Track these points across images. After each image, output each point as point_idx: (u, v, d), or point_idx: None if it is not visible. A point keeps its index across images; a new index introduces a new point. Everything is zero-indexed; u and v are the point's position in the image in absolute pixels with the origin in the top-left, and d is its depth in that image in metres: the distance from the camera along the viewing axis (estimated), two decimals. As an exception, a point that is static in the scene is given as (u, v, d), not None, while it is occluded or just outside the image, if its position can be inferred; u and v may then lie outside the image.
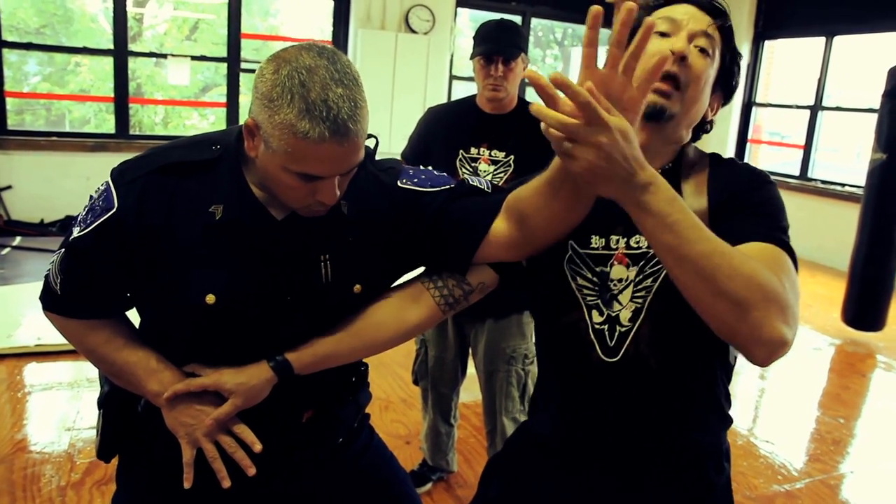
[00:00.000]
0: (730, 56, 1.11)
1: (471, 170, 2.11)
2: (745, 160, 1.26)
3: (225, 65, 6.41)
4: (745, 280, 0.85)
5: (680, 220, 0.86)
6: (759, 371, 3.86)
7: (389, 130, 5.98)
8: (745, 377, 3.75)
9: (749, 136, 7.85)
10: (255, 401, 1.11)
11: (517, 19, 7.12)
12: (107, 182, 1.07)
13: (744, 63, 1.20)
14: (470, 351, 2.31)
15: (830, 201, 6.56)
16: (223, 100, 6.51)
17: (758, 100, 7.84)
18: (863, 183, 4.58)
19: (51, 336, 3.37)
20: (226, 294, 1.06)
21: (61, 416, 2.78)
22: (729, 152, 7.45)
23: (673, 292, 0.94)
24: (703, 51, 1.07)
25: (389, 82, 6.38)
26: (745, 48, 7.39)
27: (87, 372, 3.17)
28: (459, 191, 1.16)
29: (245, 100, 6.37)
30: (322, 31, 6.96)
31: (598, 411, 1.10)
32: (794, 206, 1.17)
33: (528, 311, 2.20)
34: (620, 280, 1.08)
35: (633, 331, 1.06)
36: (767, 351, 0.87)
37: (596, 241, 1.10)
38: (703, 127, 1.16)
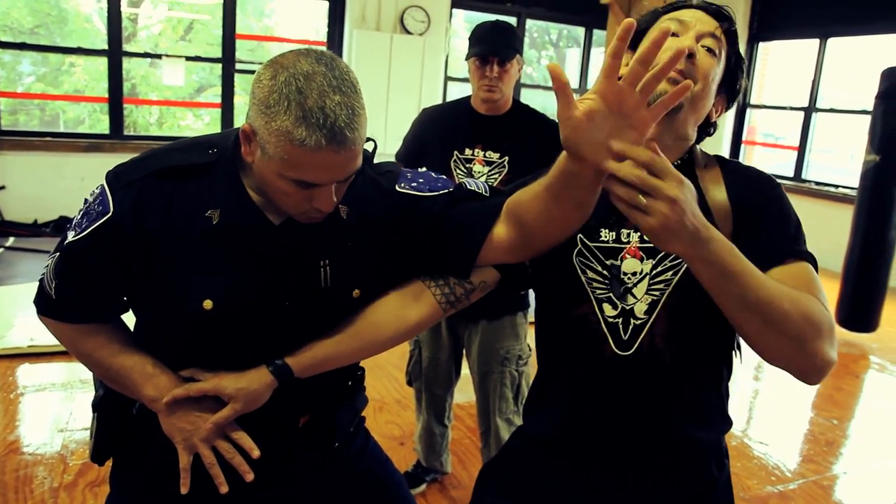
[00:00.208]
0: (735, 59, 1.13)
1: (465, 171, 2.11)
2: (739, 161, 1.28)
3: (219, 65, 6.40)
4: (800, 318, 0.93)
5: (741, 269, 0.91)
6: (752, 372, 3.87)
7: (384, 131, 5.97)
8: (738, 378, 3.75)
9: (743, 138, 7.88)
10: (255, 405, 1.10)
11: (512, 20, 7.12)
12: (102, 185, 1.06)
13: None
14: (464, 352, 2.31)
15: (824, 202, 6.58)
16: (218, 100, 6.49)
17: (752, 101, 7.87)
18: (856, 184, 4.60)
19: (44, 337, 3.34)
20: (223, 299, 1.05)
21: (54, 418, 2.77)
22: (723, 154, 7.45)
23: (692, 286, 0.96)
24: (709, 50, 1.09)
25: (384, 83, 6.38)
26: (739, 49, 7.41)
27: (80, 373, 3.16)
28: (458, 195, 1.16)
29: (240, 100, 6.36)
30: (317, 31, 6.96)
31: (606, 406, 1.10)
32: (788, 208, 1.21)
33: (522, 313, 2.20)
34: (634, 273, 1.08)
35: (649, 324, 1.07)
36: (820, 375, 0.98)
37: (606, 235, 1.11)
38: (707, 129, 1.17)
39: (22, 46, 6.26)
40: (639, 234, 1.09)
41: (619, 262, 1.09)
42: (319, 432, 1.24)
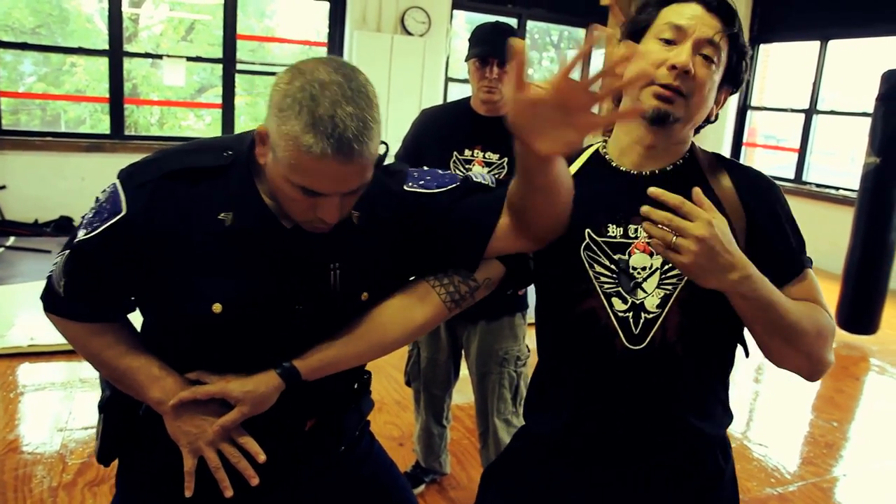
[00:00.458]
0: (737, 56, 1.11)
1: (464, 172, 2.11)
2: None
3: (220, 66, 6.41)
4: (815, 334, 1.05)
5: (775, 301, 1.00)
6: (753, 374, 3.87)
7: (385, 132, 5.82)
8: (738, 380, 3.75)
9: (744, 140, 7.88)
10: (262, 408, 1.10)
11: (513, 21, 7.13)
12: (114, 184, 1.05)
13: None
14: (463, 353, 2.31)
15: (825, 205, 6.58)
16: (219, 101, 6.50)
17: (753, 103, 7.87)
18: (857, 187, 4.59)
19: (44, 336, 3.35)
20: (232, 303, 1.05)
21: (54, 417, 2.77)
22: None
23: None
24: (707, 58, 1.07)
25: (385, 84, 6.38)
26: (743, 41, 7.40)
27: (79, 372, 3.15)
28: (465, 188, 1.16)
29: (240, 101, 6.37)
30: (318, 32, 6.96)
31: (615, 401, 1.11)
32: (788, 210, 1.23)
33: (521, 314, 2.20)
34: (644, 268, 1.09)
35: (661, 318, 1.08)
36: (821, 375, 1.10)
37: (613, 230, 1.11)
38: (708, 119, 1.17)
39: (23, 46, 6.27)
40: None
41: (627, 257, 1.10)
42: (325, 436, 1.23)
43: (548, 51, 9.74)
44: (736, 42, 1.10)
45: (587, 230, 1.12)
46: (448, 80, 6.99)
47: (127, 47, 6.26)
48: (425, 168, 1.22)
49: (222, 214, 1.03)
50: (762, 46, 7.63)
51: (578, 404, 1.14)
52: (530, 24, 7.55)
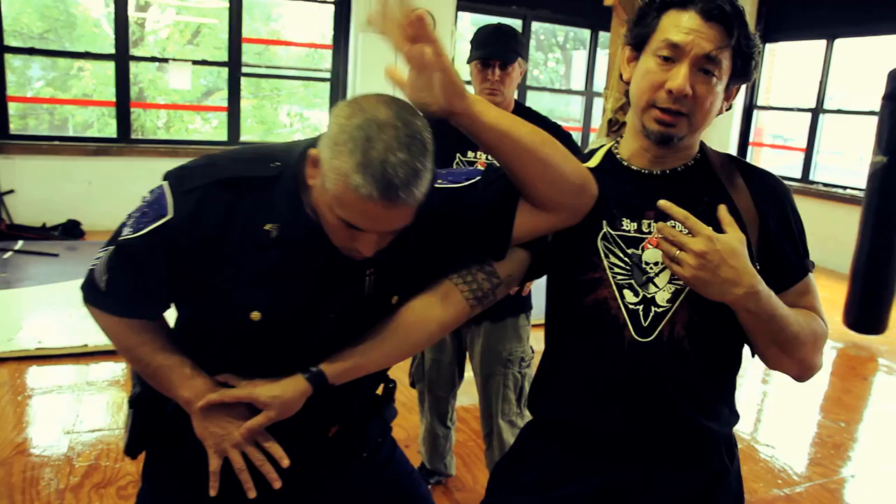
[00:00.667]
0: (742, 61, 1.09)
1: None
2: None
3: (226, 69, 6.43)
4: (811, 343, 1.09)
5: (776, 315, 1.03)
6: (761, 375, 3.85)
7: None
8: (746, 381, 3.74)
9: (750, 139, 7.85)
10: (288, 413, 1.12)
11: (518, 22, 7.12)
12: (162, 187, 1.06)
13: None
14: (467, 354, 2.31)
15: (832, 204, 6.55)
16: (225, 104, 6.53)
17: (759, 103, 7.84)
18: (865, 186, 4.57)
19: (51, 340, 3.38)
20: (271, 311, 1.07)
21: (61, 420, 2.78)
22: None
23: None
24: (707, 72, 1.06)
25: (390, 87, 6.37)
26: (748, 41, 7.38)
27: (86, 375, 3.17)
28: (489, 176, 1.16)
29: (247, 104, 6.39)
30: (323, 35, 6.98)
31: (620, 392, 1.12)
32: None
33: (525, 315, 2.20)
34: (656, 263, 1.11)
35: (671, 312, 1.10)
36: (809, 378, 1.14)
37: (627, 224, 1.13)
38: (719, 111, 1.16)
39: (31, 51, 6.32)
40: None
41: (640, 252, 1.12)
42: (348, 442, 1.25)
43: (553, 52, 9.74)
44: (739, 48, 1.07)
45: (604, 221, 1.14)
46: (453, 81, 6.98)
47: (133, 51, 6.29)
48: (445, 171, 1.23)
49: (268, 226, 1.05)
50: (768, 45, 7.60)
51: (584, 394, 1.15)
52: (536, 24, 7.54)
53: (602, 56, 7.51)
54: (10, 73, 5.89)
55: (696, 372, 1.11)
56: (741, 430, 3.19)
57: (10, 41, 5.88)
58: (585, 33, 7.79)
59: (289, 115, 8.41)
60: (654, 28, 1.09)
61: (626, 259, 1.12)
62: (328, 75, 6.81)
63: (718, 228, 1.02)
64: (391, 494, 1.32)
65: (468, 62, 2.14)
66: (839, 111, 7.10)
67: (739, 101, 7.57)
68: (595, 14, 6.61)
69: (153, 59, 6.79)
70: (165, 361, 1.12)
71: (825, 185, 6.90)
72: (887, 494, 2.78)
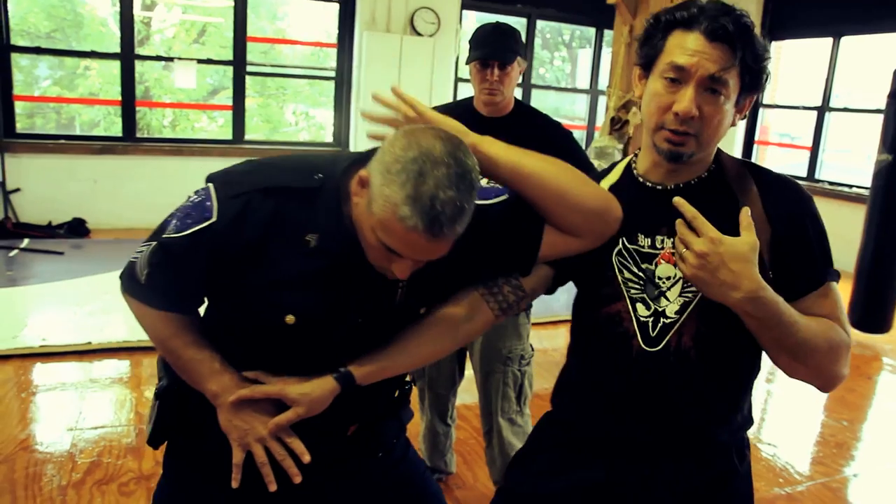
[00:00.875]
0: (750, 76, 1.08)
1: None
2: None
3: (231, 68, 6.45)
4: (827, 351, 1.07)
5: (781, 321, 1.03)
6: (764, 374, 3.84)
7: None
8: (748, 379, 3.72)
9: (756, 138, 7.82)
10: (316, 411, 1.15)
11: (523, 21, 7.12)
12: (207, 189, 1.09)
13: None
14: (467, 352, 2.31)
15: (838, 202, 6.51)
16: (230, 103, 6.55)
17: (765, 101, 7.80)
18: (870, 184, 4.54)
19: (55, 337, 3.41)
20: (304, 316, 1.10)
21: (64, 416, 2.80)
22: (735, 154, 7.40)
23: None
24: (714, 91, 1.06)
25: (395, 85, 6.38)
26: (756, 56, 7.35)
27: (90, 373, 3.20)
28: (516, 197, 1.18)
29: (252, 103, 6.40)
30: (328, 34, 6.99)
31: (628, 398, 1.16)
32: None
33: (525, 313, 2.20)
34: (669, 278, 1.14)
35: (679, 323, 1.12)
36: (832, 388, 1.12)
37: (642, 240, 1.16)
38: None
39: (38, 51, 6.35)
40: (672, 240, 1.12)
41: (653, 267, 1.14)
42: (365, 441, 1.29)
43: (560, 50, 9.72)
44: (746, 65, 1.06)
45: (622, 237, 1.16)
46: (458, 80, 6.99)
47: (139, 50, 6.32)
48: None
49: (308, 236, 1.08)
50: (774, 44, 7.56)
51: (595, 398, 1.20)
52: (542, 23, 7.53)
53: (607, 54, 7.49)
54: (17, 73, 5.93)
55: (704, 380, 1.13)
56: (743, 428, 3.18)
57: (17, 41, 5.92)
58: (591, 31, 7.78)
59: (294, 114, 8.43)
60: (660, 49, 1.10)
61: (640, 274, 1.15)
62: (333, 74, 6.82)
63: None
64: (404, 492, 1.36)
65: (467, 63, 2.14)
66: (845, 109, 7.06)
67: (745, 100, 7.53)
68: (599, 12, 6.59)
69: (159, 58, 6.81)
70: (196, 355, 1.16)
71: (831, 183, 6.87)
72: (890, 494, 2.77)
